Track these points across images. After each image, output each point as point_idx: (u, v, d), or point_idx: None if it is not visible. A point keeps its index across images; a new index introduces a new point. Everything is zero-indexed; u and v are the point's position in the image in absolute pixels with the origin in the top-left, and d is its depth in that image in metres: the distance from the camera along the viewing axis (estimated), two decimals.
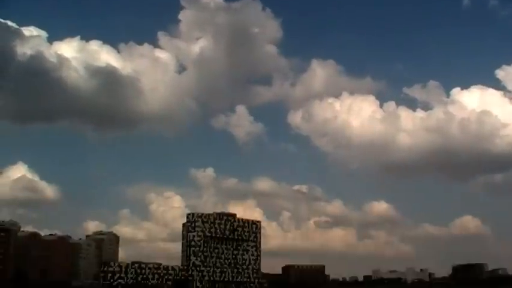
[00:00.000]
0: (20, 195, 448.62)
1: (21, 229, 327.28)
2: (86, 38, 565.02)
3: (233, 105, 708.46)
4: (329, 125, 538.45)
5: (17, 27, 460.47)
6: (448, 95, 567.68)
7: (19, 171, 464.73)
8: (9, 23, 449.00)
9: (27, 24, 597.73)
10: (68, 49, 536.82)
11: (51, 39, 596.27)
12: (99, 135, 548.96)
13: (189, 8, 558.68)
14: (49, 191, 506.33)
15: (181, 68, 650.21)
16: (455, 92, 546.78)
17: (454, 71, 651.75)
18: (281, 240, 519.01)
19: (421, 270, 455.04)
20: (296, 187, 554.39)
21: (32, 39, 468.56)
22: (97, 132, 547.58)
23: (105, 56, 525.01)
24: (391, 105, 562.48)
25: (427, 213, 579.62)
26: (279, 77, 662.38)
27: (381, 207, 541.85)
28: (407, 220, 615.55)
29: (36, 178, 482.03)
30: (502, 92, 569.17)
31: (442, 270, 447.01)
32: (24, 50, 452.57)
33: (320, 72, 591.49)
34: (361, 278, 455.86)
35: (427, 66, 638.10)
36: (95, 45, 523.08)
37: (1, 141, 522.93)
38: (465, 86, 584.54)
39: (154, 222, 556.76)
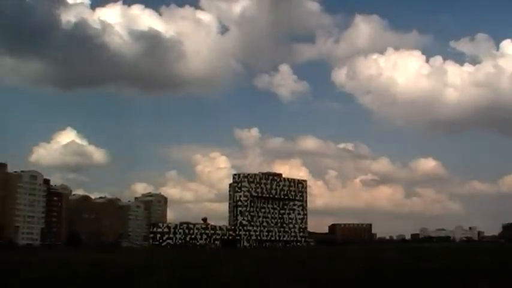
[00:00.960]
0: (70, 160, 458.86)
1: (72, 193, 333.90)
2: (128, 2, 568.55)
3: (276, 65, 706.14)
4: (374, 82, 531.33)
5: None
6: (497, 48, 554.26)
7: (68, 136, 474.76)
8: None
9: None
10: (111, 15, 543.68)
11: (93, 6, 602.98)
12: (144, 99, 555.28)
13: None
14: (98, 155, 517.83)
15: (224, 29, 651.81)
16: (506, 44, 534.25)
17: (504, 22, 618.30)
18: (327, 199, 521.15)
19: (470, 228, 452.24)
20: (341, 145, 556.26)
21: (75, 6, 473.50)
22: (142, 95, 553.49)
23: (147, 19, 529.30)
24: (437, 60, 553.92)
25: (476, 170, 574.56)
26: (322, 34, 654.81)
27: (428, 164, 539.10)
28: (456, 177, 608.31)
29: (84, 143, 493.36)
30: None
31: (492, 229, 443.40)
32: (68, 18, 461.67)
33: (364, 27, 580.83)
34: (408, 237, 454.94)
35: (475, 17, 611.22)
36: (137, 9, 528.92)
37: (50, 109, 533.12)
38: None
39: (200, 183, 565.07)
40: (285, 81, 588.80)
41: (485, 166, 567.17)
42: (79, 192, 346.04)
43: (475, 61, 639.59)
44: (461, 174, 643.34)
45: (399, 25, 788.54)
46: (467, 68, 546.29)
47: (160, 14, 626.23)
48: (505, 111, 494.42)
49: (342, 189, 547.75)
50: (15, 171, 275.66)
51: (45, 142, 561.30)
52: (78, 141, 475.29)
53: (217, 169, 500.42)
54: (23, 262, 74.54)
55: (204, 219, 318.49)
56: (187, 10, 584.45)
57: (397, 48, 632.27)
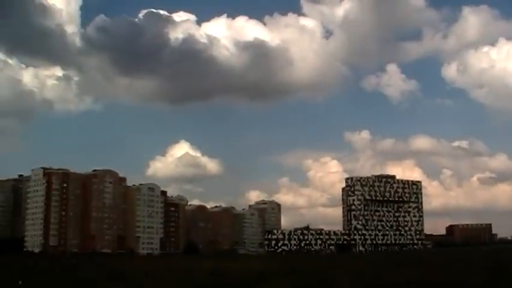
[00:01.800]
0: (185, 172, 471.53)
1: (189, 203, 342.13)
2: (232, 15, 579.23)
3: (383, 65, 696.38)
4: (486, 75, 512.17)
5: (168, 14, 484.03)
6: None
7: (182, 149, 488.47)
8: (161, 11, 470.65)
9: (176, 10, 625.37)
10: (216, 28, 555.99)
11: (199, 21, 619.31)
12: (253, 108, 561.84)
13: None
14: (211, 165, 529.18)
15: (328, 33, 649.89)
16: None
17: None
18: (443, 199, 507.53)
19: None
20: (456, 143, 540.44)
21: (182, 23, 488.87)
22: (251, 105, 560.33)
23: (252, 30, 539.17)
24: None
25: None
26: (429, 30, 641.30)
27: None
28: None
29: (198, 154, 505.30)
30: None
31: None
32: (176, 35, 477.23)
33: (473, 19, 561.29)
34: None
35: None
36: (241, 21, 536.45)
37: (163, 123, 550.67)
38: None
39: (313, 188, 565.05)
40: (393, 81, 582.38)
41: None
42: (195, 202, 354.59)
43: None
44: None
45: (511, 14, 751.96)
46: None
47: (264, 24, 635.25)
48: None
49: (459, 189, 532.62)
50: (134, 185, 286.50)
51: (161, 155, 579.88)
52: (192, 153, 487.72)
53: (329, 173, 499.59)
54: (147, 271, 77.58)
55: (307, 227, 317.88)
56: (291, 18, 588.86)
57: (509, 38, 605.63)
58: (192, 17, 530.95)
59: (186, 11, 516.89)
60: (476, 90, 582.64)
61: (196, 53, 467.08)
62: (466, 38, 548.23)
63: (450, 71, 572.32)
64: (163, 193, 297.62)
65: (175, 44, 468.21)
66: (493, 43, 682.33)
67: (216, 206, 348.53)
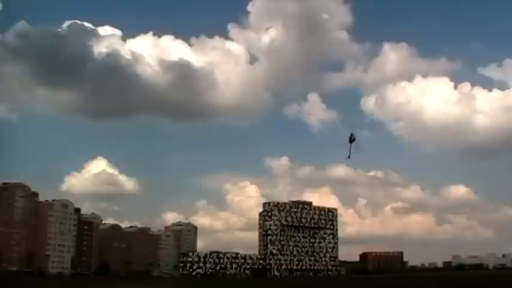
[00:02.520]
0: (101, 189, 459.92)
1: (103, 222, 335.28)
2: (158, 33, 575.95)
3: (305, 93, 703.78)
4: (403, 109, 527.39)
5: (93, 27, 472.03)
6: None
7: (99, 165, 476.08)
8: (86, 24, 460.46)
9: (102, 24, 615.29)
10: (142, 45, 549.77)
11: (125, 37, 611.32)
12: (175, 128, 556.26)
13: None
14: (128, 184, 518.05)
15: (253, 59, 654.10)
16: None
17: None
18: (358, 227, 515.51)
19: (503, 255, 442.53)
20: (372, 173, 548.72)
21: (107, 38, 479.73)
22: (173, 125, 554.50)
23: (177, 50, 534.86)
24: (465, 86, 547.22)
25: (508, 196, 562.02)
26: (351, 62, 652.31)
27: (459, 191, 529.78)
28: (488, 203, 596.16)
29: (115, 172, 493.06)
30: None
31: None
32: (100, 49, 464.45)
33: (392, 55, 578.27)
34: (440, 264, 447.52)
35: (502, 43, 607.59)
36: (167, 40, 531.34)
37: (81, 137, 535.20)
38: None
39: (231, 212, 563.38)
40: (314, 110, 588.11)
41: None
42: (110, 221, 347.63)
43: (503, 87, 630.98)
44: (493, 200, 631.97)
45: (427, 52, 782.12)
46: (496, 93, 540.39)
47: (190, 45, 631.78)
48: None
49: (373, 217, 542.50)
50: (47, 200, 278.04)
51: (77, 171, 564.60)
52: (109, 170, 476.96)
53: (247, 198, 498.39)
54: None
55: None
56: (217, 41, 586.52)
57: (425, 76, 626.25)
58: (118, 32, 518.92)
59: (111, 25, 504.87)
60: (393, 124, 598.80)
61: (120, 69, 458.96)
62: (385, 72, 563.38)
63: (369, 104, 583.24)
64: (77, 210, 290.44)
65: (98, 57, 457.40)
66: (410, 79, 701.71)
67: (131, 226, 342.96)
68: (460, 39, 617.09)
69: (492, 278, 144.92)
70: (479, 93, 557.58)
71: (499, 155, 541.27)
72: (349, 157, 75.88)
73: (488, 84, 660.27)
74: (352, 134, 74.94)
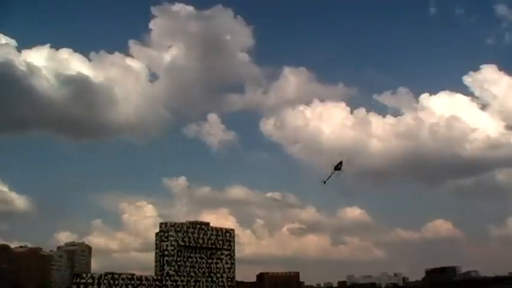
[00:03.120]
0: None
1: None
2: (56, 46, 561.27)
3: (205, 114, 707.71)
4: (301, 132, 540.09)
5: None
6: (417, 101, 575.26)
7: None
8: None
9: None
10: (38, 57, 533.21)
11: (20, 47, 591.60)
12: (71, 145, 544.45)
13: (160, 17, 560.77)
14: (19, 201, 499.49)
15: (153, 77, 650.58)
16: (424, 97, 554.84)
17: (423, 77, 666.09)
18: (255, 248, 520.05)
19: (395, 274, 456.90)
20: (269, 194, 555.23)
21: (0, 47, 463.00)
22: (69, 141, 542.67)
23: (76, 64, 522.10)
24: (361, 111, 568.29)
25: (400, 218, 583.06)
26: (252, 84, 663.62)
27: (354, 212, 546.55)
28: (381, 225, 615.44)
29: (5, 189, 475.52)
30: (469, 98, 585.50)
31: (416, 274, 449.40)
32: None
33: (292, 79, 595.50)
34: (335, 284, 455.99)
35: (396, 72, 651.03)
36: (65, 53, 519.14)
37: None
38: (434, 91, 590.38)
39: (127, 232, 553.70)
40: (214, 131, 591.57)
41: (409, 214, 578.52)
42: None
43: (396, 113, 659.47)
44: (386, 222, 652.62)
45: (326, 77, 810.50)
46: (390, 119, 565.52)
47: (89, 59, 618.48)
48: (425, 160, 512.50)
49: (270, 238, 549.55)
50: None
51: None
52: None
53: (144, 218, 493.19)
54: None
55: None
56: (117, 56, 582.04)
57: (322, 100, 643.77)
58: (13, 42, 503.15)
59: (6, 34, 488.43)
60: (291, 146, 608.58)
61: (14, 81, 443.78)
62: (284, 95, 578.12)
63: (268, 126, 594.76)
64: None
65: None
66: (308, 103, 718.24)
67: (22, 246, 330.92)
68: (356, 66, 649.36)
69: None
70: (374, 118, 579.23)
71: (391, 178, 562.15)
72: (324, 182, 76.31)
73: (382, 110, 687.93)
74: (340, 163, 75.54)
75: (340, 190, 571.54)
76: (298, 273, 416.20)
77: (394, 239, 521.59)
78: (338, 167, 77.59)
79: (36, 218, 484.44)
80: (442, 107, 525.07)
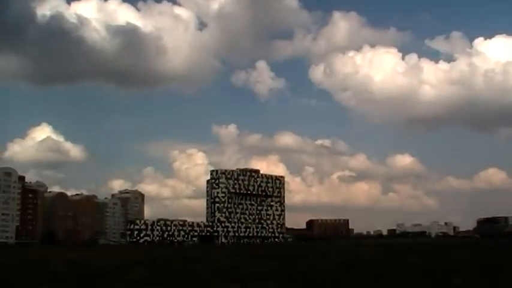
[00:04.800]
0: (46, 157, 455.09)
1: (48, 190, 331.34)
2: None
3: (254, 61, 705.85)
4: (350, 79, 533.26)
5: None
6: (471, 46, 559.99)
7: (44, 132, 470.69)
8: None
9: None
10: (87, 9, 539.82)
11: (69, 0, 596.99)
12: (121, 95, 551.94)
13: None
14: (74, 151, 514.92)
15: (202, 25, 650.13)
16: (478, 42, 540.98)
17: (477, 20, 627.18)
18: (305, 195, 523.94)
19: (446, 223, 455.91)
20: (319, 142, 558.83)
21: (50, 0, 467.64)
22: (120, 91, 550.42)
23: (124, 14, 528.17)
24: (413, 57, 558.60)
25: (452, 167, 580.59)
26: (300, 31, 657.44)
27: (405, 160, 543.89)
28: (432, 173, 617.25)
29: (61, 139, 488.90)
30: None
31: (467, 224, 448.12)
32: (43, 12, 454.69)
33: (342, 24, 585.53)
34: (385, 232, 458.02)
35: (450, 16, 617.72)
36: (113, 4, 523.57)
37: (24, 103, 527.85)
38: (489, 35, 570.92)
39: (178, 180, 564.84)
40: (263, 78, 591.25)
41: (461, 162, 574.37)
42: (55, 189, 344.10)
43: (449, 59, 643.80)
44: (437, 171, 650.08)
45: (377, 22, 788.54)
46: (442, 65, 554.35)
47: (138, 9, 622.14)
48: (479, 108, 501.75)
49: (320, 186, 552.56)
50: None
51: (20, 138, 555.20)
52: (54, 137, 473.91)
53: (194, 165, 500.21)
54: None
55: None
56: (166, 5, 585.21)
57: (373, 46, 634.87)
58: None
59: None
60: (341, 93, 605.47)
61: (65, 33, 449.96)
62: (334, 41, 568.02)
63: (317, 73, 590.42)
64: (21, 178, 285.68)
65: (42, 21, 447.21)
66: (358, 49, 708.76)
67: (77, 194, 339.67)
68: (408, 10, 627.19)
69: (433, 245, 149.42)
70: (426, 64, 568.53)
71: (443, 126, 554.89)
72: None
73: (435, 56, 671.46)
74: None
75: (391, 138, 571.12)
76: (347, 221, 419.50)
77: (445, 188, 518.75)
78: None
79: (90, 167, 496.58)
80: (497, 52, 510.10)
